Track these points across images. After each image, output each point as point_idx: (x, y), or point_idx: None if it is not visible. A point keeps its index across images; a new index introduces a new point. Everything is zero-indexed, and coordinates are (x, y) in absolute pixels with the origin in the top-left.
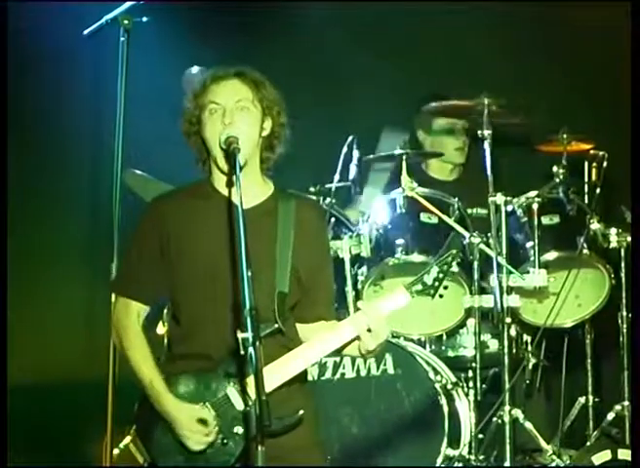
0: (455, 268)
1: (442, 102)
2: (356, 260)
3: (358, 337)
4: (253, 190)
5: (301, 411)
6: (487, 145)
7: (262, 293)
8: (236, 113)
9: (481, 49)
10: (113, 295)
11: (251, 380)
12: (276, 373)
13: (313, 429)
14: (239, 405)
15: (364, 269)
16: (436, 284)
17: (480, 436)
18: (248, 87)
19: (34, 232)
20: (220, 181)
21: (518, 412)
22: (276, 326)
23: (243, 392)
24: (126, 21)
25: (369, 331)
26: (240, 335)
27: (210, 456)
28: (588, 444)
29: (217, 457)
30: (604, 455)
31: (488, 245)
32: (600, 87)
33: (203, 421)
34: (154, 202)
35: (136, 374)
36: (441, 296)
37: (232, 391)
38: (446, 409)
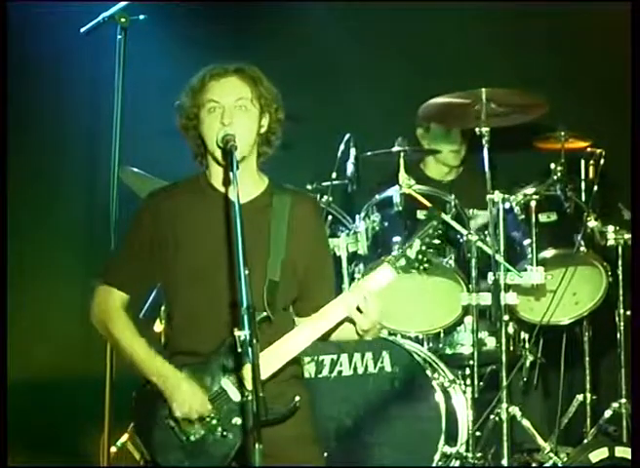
0: (436, 241)
1: (436, 100)
2: (353, 258)
3: (349, 319)
4: (248, 186)
5: (297, 397)
6: (485, 143)
7: (255, 286)
8: (235, 112)
9: (480, 47)
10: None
11: (246, 371)
12: (268, 361)
13: (309, 423)
14: (235, 396)
15: (361, 267)
16: (420, 257)
17: (477, 433)
18: (247, 85)
19: (32, 230)
20: (216, 177)
21: (515, 410)
22: (264, 314)
23: (239, 383)
24: (123, 19)
25: (359, 310)
26: (237, 333)
27: (210, 450)
28: (585, 441)
29: (217, 450)
30: (601, 453)
31: (485, 242)
32: (598, 84)
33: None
34: (149, 197)
35: (128, 355)
36: (425, 270)
37: (227, 383)
38: (443, 406)
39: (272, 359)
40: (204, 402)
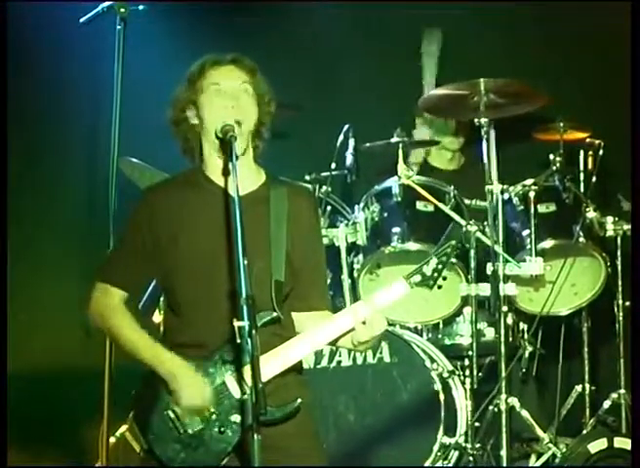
0: (454, 260)
1: (435, 92)
2: (352, 249)
3: (353, 329)
4: (247, 178)
5: (299, 399)
6: (484, 134)
7: (258, 282)
8: (240, 95)
9: (479, 39)
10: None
11: (248, 368)
12: (272, 364)
13: (309, 418)
14: (236, 393)
15: (360, 257)
16: (435, 275)
17: (476, 424)
18: (245, 73)
19: (31, 222)
20: (213, 169)
21: (514, 401)
22: (274, 314)
23: (240, 380)
24: (122, 10)
25: (364, 323)
26: (236, 324)
27: (207, 444)
28: (584, 432)
29: (214, 445)
30: (600, 444)
31: (484, 233)
32: (596, 75)
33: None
34: (146, 192)
35: (129, 348)
36: (440, 287)
37: (230, 379)
38: (442, 397)
39: (276, 362)
40: (208, 395)
